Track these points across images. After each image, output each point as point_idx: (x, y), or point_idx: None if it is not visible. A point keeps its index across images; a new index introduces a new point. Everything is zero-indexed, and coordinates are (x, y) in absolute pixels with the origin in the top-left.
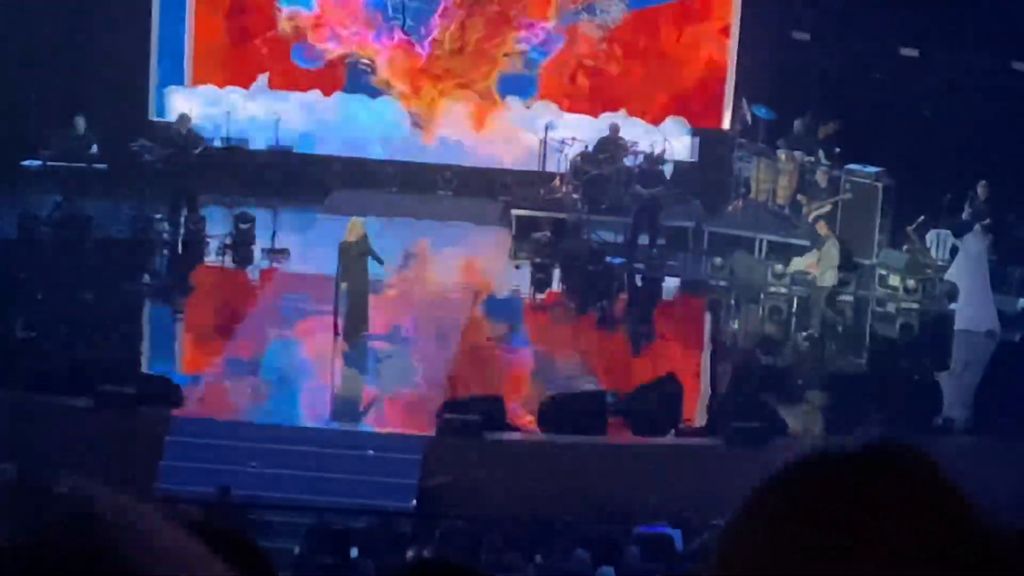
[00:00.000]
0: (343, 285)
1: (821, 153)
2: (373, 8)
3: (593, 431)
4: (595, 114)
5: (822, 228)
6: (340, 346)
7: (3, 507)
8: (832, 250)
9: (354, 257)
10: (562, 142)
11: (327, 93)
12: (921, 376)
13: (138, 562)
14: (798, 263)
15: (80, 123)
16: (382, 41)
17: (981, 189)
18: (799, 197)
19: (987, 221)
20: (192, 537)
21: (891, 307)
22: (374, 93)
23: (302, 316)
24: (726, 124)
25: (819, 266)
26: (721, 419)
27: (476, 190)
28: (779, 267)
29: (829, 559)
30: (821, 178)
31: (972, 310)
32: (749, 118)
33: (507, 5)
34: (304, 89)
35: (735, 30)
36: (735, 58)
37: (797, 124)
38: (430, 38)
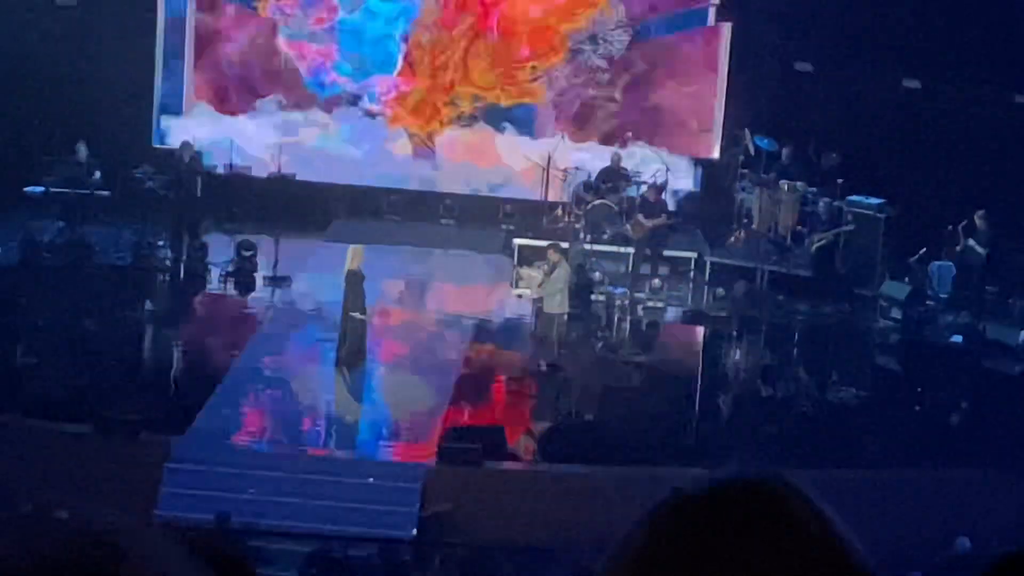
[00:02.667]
0: (348, 313)
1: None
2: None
3: (595, 460)
4: (598, 144)
5: (552, 255)
6: (341, 373)
7: (5, 531)
8: (561, 274)
9: (356, 285)
10: (565, 171)
11: (330, 122)
12: (923, 408)
13: None
14: (522, 287)
15: (82, 150)
16: (385, 71)
17: (979, 220)
18: (799, 228)
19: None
20: (192, 560)
21: (893, 338)
22: (378, 122)
23: (303, 343)
24: (715, 154)
25: (542, 290)
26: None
27: (478, 219)
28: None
29: None
30: (823, 209)
31: None
32: (751, 149)
33: (510, 36)
34: (308, 117)
35: (723, 62)
36: (724, 89)
37: (786, 152)
38: (432, 68)
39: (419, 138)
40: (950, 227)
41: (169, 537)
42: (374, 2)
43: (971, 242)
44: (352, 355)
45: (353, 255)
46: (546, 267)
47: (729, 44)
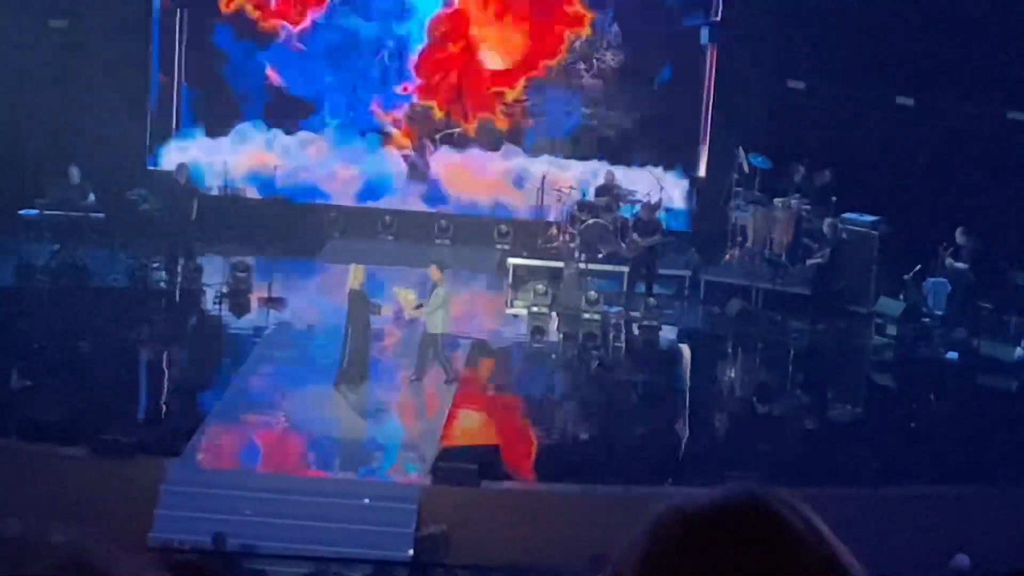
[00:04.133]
0: (350, 331)
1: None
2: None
3: (591, 479)
4: (592, 163)
5: (434, 273)
6: (340, 392)
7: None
8: (440, 292)
9: (357, 304)
10: (559, 191)
11: (324, 141)
12: (919, 425)
13: None
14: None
15: (74, 173)
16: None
17: (960, 236)
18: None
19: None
20: None
21: (888, 355)
22: (372, 142)
23: (298, 364)
24: (702, 172)
25: (422, 312)
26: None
27: (473, 238)
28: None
29: None
30: (817, 227)
31: None
32: (745, 167)
33: (505, 54)
34: (301, 137)
35: (710, 80)
36: (710, 107)
37: (786, 170)
38: (428, 87)
39: (413, 157)
40: (944, 244)
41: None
42: (367, 22)
43: (949, 261)
44: (353, 373)
45: (355, 274)
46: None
47: (721, 62)
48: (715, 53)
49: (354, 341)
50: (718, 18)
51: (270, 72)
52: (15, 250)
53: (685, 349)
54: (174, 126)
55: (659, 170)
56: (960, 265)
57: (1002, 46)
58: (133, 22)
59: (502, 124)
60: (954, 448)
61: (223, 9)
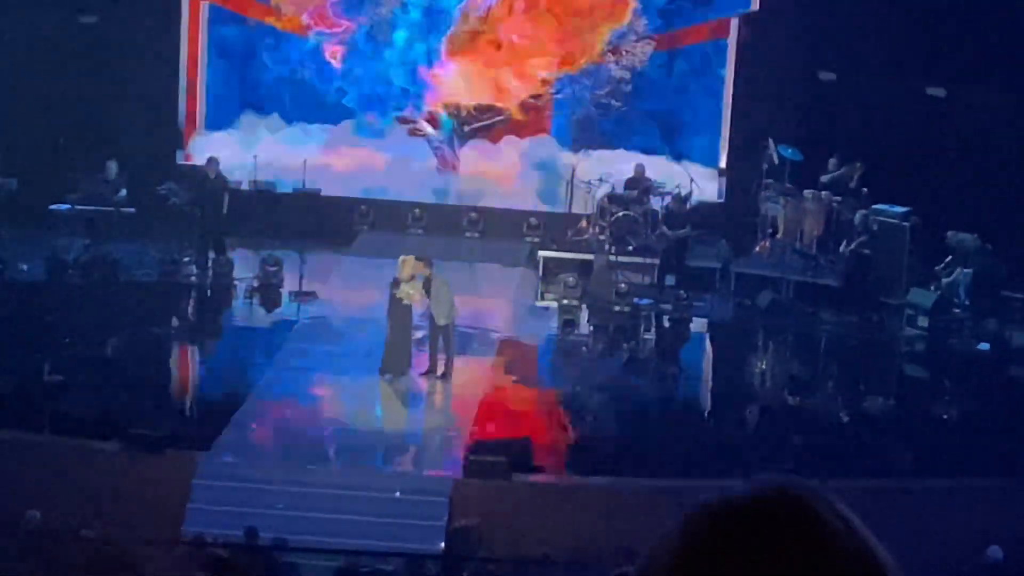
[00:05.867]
0: (389, 322)
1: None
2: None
3: (621, 472)
4: (622, 154)
5: (424, 269)
6: (368, 386)
7: (31, 550)
8: (440, 286)
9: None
10: (589, 183)
11: (355, 136)
12: (951, 417)
13: None
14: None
15: (112, 167)
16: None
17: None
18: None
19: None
20: None
21: (920, 346)
22: (400, 134)
23: (327, 357)
24: (723, 163)
25: (429, 306)
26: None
27: (502, 231)
28: None
29: None
30: (848, 218)
31: None
32: (776, 158)
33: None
34: (332, 131)
35: (730, 70)
36: (730, 98)
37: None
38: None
39: (443, 150)
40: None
41: (190, 560)
42: (401, 16)
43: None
44: (394, 364)
45: (403, 265)
46: (411, 282)
47: (752, 54)
48: (746, 45)
49: (393, 333)
50: (751, 9)
51: (304, 63)
52: (46, 245)
53: (716, 341)
54: (204, 121)
55: (688, 162)
56: (963, 276)
57: None
58: (162, 17)
59: (531, 115)
60: (986, 440)
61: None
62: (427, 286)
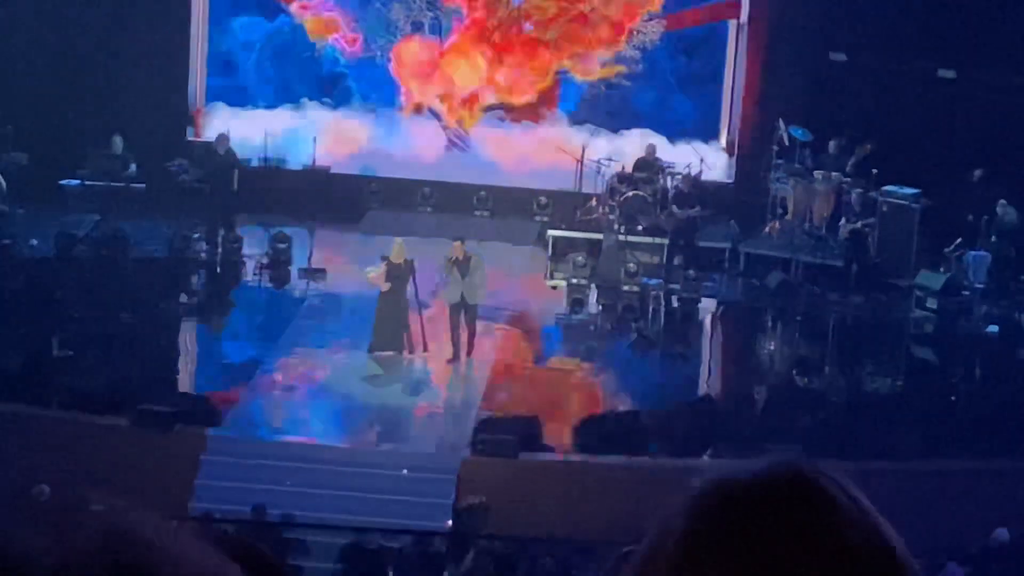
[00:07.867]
0: (383, 300)
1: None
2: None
3: (630, 451)
4: (632, 134)
5: (461, 251)
6: (375, 364)
7: (40, 525)
8: (477, 267)
9: (395, 277)
10: (599, 162)
11: (363, 113)
12: (959, 399)
13: None
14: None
15: (118, 142)
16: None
17: (1001, 209)
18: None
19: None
20: (223, 557)
21: (929, 328)
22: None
23: (337, 335)
24: (723, 143)
25: (465, 289)
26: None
27: (512, 210)
28: None
29: None
30: (857, 199)
31: None
32: (786, 139)
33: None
34: (340, 109)
35: (741, 51)
36: (741, 78)
37: (833, 145)
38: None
39: (454, 129)
40: (970, 217)
41: (200, 534)
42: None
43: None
44: (382, 342)
45: (396, 250)
46: (450, 266)
47: (763, 34)
48: (757, 25)
49: (384, 310)
50: None
51: (311, 41)
52: (56, 220)
53: (725, 321)
54: (214, 97)
55: (699, 142)
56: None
57: None
58: None
59: (541, 95)
60: (994, 422)
61: None
62: (462, 267)
